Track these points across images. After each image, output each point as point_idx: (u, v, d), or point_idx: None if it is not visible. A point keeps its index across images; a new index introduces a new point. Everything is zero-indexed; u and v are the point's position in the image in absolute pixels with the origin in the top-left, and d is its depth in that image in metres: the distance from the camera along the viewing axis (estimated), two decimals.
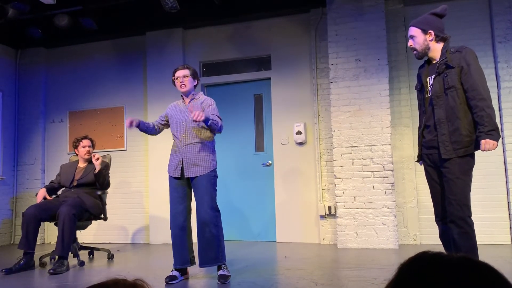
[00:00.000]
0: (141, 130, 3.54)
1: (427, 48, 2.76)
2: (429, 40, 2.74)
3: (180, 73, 3.50)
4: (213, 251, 3.29)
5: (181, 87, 3.48)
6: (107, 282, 0.71)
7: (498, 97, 4.82)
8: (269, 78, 5.66)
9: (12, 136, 6.43)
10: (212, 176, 3.41)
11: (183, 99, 3.58)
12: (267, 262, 4.11)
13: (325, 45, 5.29)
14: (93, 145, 4.61)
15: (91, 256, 4.72)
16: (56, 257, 3.94)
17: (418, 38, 2.77)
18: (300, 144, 5.42)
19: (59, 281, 3.52)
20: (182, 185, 3.44)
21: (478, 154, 4.87)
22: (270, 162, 5.58)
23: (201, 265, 3.34)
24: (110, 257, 4.52)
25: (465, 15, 5.03)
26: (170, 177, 3.50)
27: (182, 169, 3.41)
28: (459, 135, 2.59)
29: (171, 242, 5.38)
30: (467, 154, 2.59)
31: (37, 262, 4.12)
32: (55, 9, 5.35)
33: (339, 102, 4.98)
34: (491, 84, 4.85)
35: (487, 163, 4.79)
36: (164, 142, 5.79)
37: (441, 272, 0.63)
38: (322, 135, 5.32)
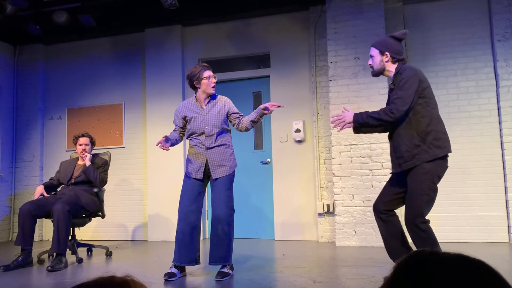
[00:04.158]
0: (173, 145, 3.54)
1: (383, 68, 2.97)
2: (385, 61, 2.94)
3: (211, 73, 3.51)
4: (223, 250, 3.33)
5: (212, 88, 3.51)
6: (95, 281, 0.69)
7: (497, 95, 4.82)
8: (268, 76, 5.66)
9: (10, 133, 6.41)
10: (232, 176, 3.48)
11: (198, 99, 3.54)
12: (265, 259, 4.12)
13: (324, 43, 5.29)
14: (92, 142, 4.58)
15: (89, 253, 4.72)
16: (54, 254, 3.94)
17: (375, 58, 2.98)
18: (299, 142, 5.42)
19: (57, 278, 3.52)
20: (199, 185, 3.46)
21: (477, 153, 4.89)
22: (268, 160, 5.58)
23: (210, 262, 3.37)
24: (109, 254, 4.52)
25: (465, 14, 5.03)
26: (187, 176, 3.48)
27: (205, 171, 3.44)
28: (400, 150, 2.82)
29: (170, 239, 5.39)
30: (415, 166, 2.75)
31: (35, 259, 4.11)
32: (53, 5, 5.34)
33: (338, 100, 4.97)
34: (490, 82, 4.87)
35: (485, 161, 4.81)
36: None
37: (436, 270, 0.63)
38: (320, 133, 5.32)
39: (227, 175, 3.43)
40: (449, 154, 2.84)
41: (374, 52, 2.98)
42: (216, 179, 3.42)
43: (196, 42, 5.94)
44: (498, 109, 4.81)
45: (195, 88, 3.56)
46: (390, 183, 3.01)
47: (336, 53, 5.04)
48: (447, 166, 2.84)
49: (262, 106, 3.41)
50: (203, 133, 3.46)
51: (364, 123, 2.87)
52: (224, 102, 3.57)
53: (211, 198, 3.45)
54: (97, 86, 6.30)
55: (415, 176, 2.76)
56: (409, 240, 2.90)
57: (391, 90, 2.93)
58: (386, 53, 2.92)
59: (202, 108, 3.52)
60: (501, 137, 4.78)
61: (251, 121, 3.49)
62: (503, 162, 4.74)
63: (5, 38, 6.33)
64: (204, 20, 5.83)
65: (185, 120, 3.57)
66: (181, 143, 5.75)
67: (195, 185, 3.45)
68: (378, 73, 3.01)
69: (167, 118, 5.77)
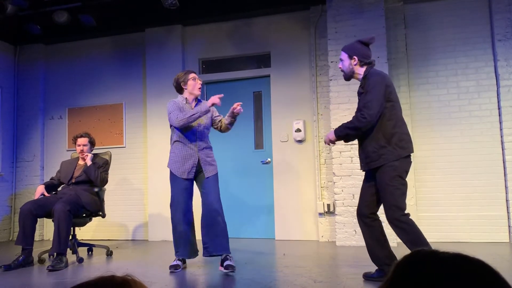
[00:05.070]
0: None
1: (352, 71, 3.11)
2: (354, 64, 3.09)
3: (196, 76, 3.71)
4: (225, 239, 3.53)
5: (199, 89, 3.70)
6: (95, 281, 0.69)
7: (498, 95, 4.82)
8: (269, 76, 5.66)
9: (11, 132, 6.42)
10: (217, 174, 3.72)
11: (187, 101, 3.68)
12: (265, 259, 4.12)
13: (325, 43, 5.28)
14: (91, 142, 4.58)
15: (90, 252, 4.72)
16: (55, 253, 3.94)
17: (345, 62, 3.13)
18: (299, 141, 5.42)
19: (58, 277, 3.53)
20: (191, 185, 3.66)
21: (477, 152, 4.89)
22: (269, 159, 5.58)
23: (218, 252, 3.51)
24: (109, 253, 4.52)
25: (465, 13, 5.02)
26: (177, 178, 3.63)
27: (196, 171, 3.63)
28: (367, 151, 2.98)
29: (170, 239, 5.43)
30: (382, 164, 2.90)
31: (36, 259, 4.12)
32: (54, 5, 5.34)
33: (338, 100, 4.97)
34: (490, 82, 4.87)
35: (486, 161, 4.80)
36: (162, 139, 5.79)
37: (436, 269, 0.63)
38: (321, 132, 5.32)
39: (216, 173, 3.67)
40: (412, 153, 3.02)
41: (344, 56, 3.13)
42: (208, 177, 3.62)
43: (196, 42, 5.94)
44: (499, 108, 4.80)
45: (181, 90, 3.72)
46: (365, 185, 3.14)
47: (337, 53, 5.03)
48: (411, 162, 3.01)
49: (231, 109, 3.61)
50: (195, 133, 3.62)
51: (344, 135, 3.04)
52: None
53: (205, 193, 3.62)
54: (98, 86, 6.30)
55: (384, 174, 2.91)
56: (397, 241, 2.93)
57: (360, 94, 3.07)
58: (354, 57, 3.07)
59: (192, 108, 3.64)
60: (501, 136, 4.78)
61: (228, 124, 3.71)
62: (504, 162, 4.74)
63: (5, 38, 6.34)
64: (204, 20, 5.83)
65: None
66: None
67: (188, 185, 3.63)
68: (349, 76, 3.15)
69: (167, 117, 5.77)
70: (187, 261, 3.81)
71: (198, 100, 3.75)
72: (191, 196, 3.65)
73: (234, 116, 3.65)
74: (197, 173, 3.65)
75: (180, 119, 3.48)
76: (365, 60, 3.07)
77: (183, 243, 3.60)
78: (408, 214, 2.89)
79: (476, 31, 4.97)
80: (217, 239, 3.48)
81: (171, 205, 3.63)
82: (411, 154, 3.00)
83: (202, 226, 3.55)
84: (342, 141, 4.90)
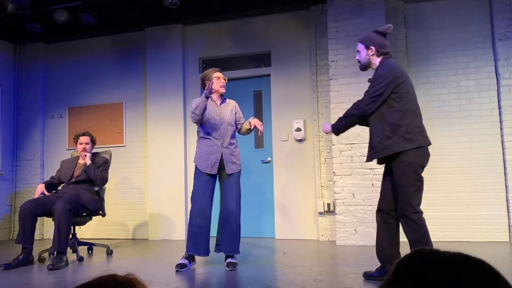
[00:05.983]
0: None
1: (369, 62, 3.12)
2: (371, 55, 3.09)
3: (220, 75, 3.76)
4: (237, 241, 3.66)
5: (221, 87, 3.74)
6: (94, 282, 0.69)
7: (498, 94, 4.82)
8: (269, 75, 5.65)
9: (11, 131, 6.42)
10: (240, 173, 3.80)
11: (212, 98, 3.73)
12: (265, 258, 4.12)
13: (325, 42, 5.28)
14: (93, 141, 4.58)
15: (90, 251, 4.72)
16: (55, 252, 3.94)
17: (362, 52, 3.14)
18: (300, 141, 5.42)
19: (58, 276, 3.53)
20: (212, 182, 3.70)
21: (477, 152, 4.88)
22: (269, 158, 5.58)
23: (227, 252, 3.62)
24: (109, 252, 4.53)
25: (466, 12, 5.02)
26: (200, 172, 3.66)
27: (219, 167, 3.67)
28: (372, 141, 3.00)
29: (171, 238, 5.42)
30: (388, 156, 2.90)
31: (36, 258, 4.12)
32: (54, 4, 5.34)
33: (338, 99, 4.97)
34: (491, 81, 4.86)
35: (486, 160, 4.80)
36: (163, 138, 5.79)
37: (436, 269, 0.63)
38: (321, 132, 5.31)
39: (238, 171, 3.73)
40: (432, 144, 2.99)
41: (360, 47, 3.13)
42: (230, 174, 3.68)
43: (196, 41, 5.93)
44: (499, 108, 4.80)
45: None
46: (384, 181, 3.12)
47: (337, 52, 5.03)
48: (428, 154, 2.94)
49: (252, 123, 3.72)
50: (218, 130, 3.67)
51: (342, 125, 3.11)
52: (234, 104, 3.87)
53: (224, 192, 3.68)
54: (98, 85, 6.30)
55: (398, 169, 2.87)
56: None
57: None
58: (371, 47, 3.07)
59: (218, 106, 3.72)
60: (501, 136, 4.77)
61: (247, 129, 3.82)
62: (504, 161, 4.74)
63: (6, 36, 6.33)
64: (204, 19, 5.82)
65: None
66: (181, 142, 5.76)
67: (210, 181, 3.66)
68: (365, 66, 3.15)
69: (167, 116, 5.77)
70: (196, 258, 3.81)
71: (223, 99, 3.81)
72: (212, 192, 3.67)
73: (251, 130, 3.81)
74: (220, 170, 3.68)
75: (191, 115, 3.59)
76: (382, 50, 3.06)
77: (195, 238, 3.56)
78: (420, 212, 2.85)
79: (477, 31, 4.96)
80: (228, 239, 3.61)
81: (191, 199, 3.67)
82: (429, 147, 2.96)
83: (218, 224, 3.68)
84: (342, 142, 4.93)
